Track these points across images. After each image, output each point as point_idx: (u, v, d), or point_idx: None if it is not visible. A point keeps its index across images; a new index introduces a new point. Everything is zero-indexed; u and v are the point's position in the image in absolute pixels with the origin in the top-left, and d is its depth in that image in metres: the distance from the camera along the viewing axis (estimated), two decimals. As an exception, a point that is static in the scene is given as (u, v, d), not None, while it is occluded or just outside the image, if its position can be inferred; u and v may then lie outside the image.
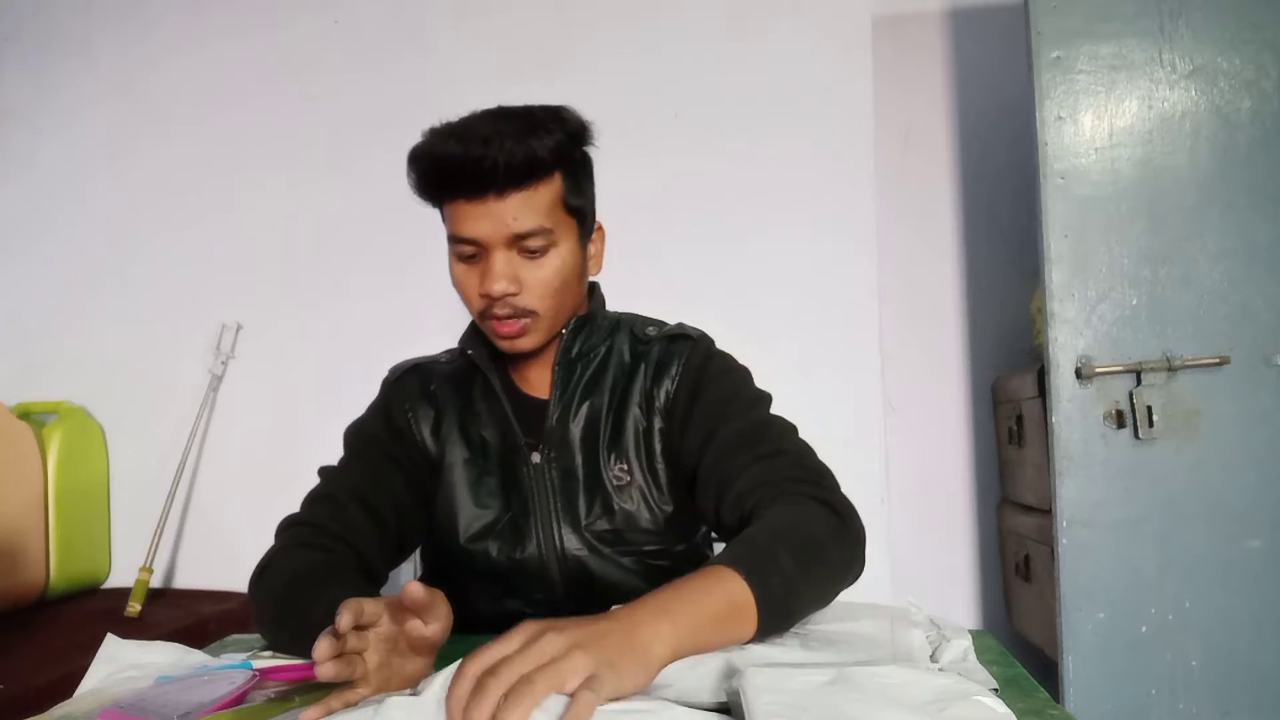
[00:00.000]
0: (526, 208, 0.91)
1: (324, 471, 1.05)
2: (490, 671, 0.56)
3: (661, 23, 2.21)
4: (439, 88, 2.25)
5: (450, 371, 1.10)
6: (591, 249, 1.03)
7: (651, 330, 1.08)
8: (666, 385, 1.03)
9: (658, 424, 1.03)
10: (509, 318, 0.95)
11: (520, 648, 0.58)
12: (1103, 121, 1.76)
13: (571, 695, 0.55)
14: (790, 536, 0.79)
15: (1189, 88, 1.74)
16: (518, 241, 0.92)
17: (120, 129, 2.43)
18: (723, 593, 0.71)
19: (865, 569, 0.89)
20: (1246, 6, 1.73)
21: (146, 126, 2.42)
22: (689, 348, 1.05)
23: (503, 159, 0.87)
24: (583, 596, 1.02)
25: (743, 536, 0.80)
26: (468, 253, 0.94)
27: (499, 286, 0.92)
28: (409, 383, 1.10)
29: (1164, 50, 1.75)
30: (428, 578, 1.13)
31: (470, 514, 1.04)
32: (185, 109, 2.41)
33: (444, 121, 0.94)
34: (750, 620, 0.71)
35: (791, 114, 2.15)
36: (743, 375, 1.06)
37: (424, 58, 2.29)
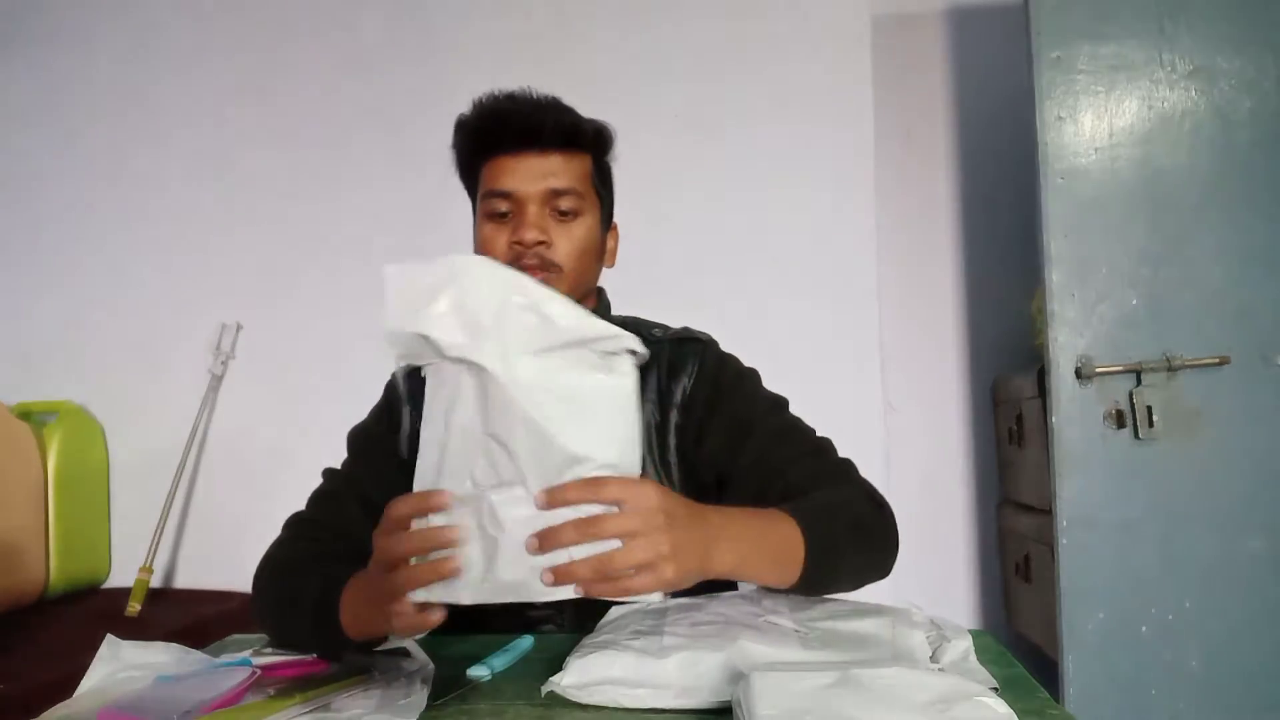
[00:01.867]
0: (565, 168, 0.98)
1: (327, 472, 1.07)
2: (590, 530, 0.64)
3: (661, 23, 2.21)
4: (439, 88, 2.24)
5: None
6: (609, 242, 1.09)
7: (658, 331, 1.09)
8: (684, 382, 1.05)
9: (674, 419, 1.04)
10: (536, 268, 0.97)
11: (636, 526, 0.65)
12: (1103, 121, 1.76)
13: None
14: (843, 512, 0.88)
15: (1189, 88, 1.74)
16: (552, 199, 0.97)
17: (120, 129, 2.43)
18: (781, 539, 0.79)
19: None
20: (1246, 6, 1.73)
21: (146, 127, 2.42)
22: (701, 349, 1.08)
23: (550, 119, 0.97)
24: None
25: (808, 500, 0.87)
26: (501, 209, 0.98)
27: (531, 234, 0.96)
28: (412, 382, 1.09)
29: (1164, 50, 1.75)
30: None
31: None
32: (185, 109, 2.41)
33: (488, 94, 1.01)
34: (794, 573, 0.80)
35: (791, 114, 2.15)
36: (757, 378, 1.09)
37: (424, 59, 2.28)
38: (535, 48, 2.24)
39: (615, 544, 0.64)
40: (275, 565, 0.95)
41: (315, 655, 0.86)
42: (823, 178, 2.13)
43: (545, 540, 0.64)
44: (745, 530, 0.77)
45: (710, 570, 0.71)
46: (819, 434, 1.03)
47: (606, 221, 1.07)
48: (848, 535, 0.85)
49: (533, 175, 0.97)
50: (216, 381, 2.32)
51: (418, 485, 0.70)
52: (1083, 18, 1.75)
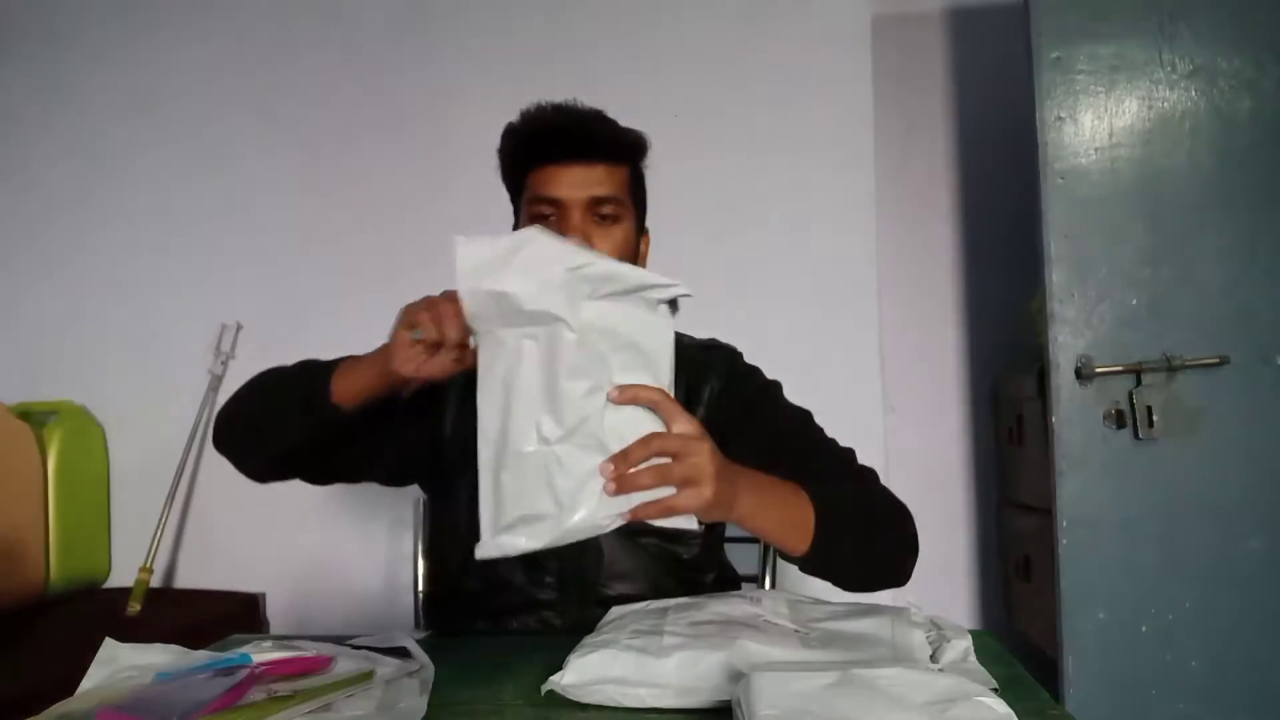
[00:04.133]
0: (609, 178, 1.04)
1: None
2: (654, 445, 0.75)
3: (661, 23, 2.20)
4: (439, 88, 2.25)
5: None
6: (642, 247, 1.14)
7: (684, 338, 1.11)
8: (711, 383, 1.11)
9: (700, 414, 1.08)
10: None
11: (688, 448, 0.75)
12: (1103, 121, 1.75)
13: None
14: (856, 503, 0.96)
15: (1189, 88, 1.74)
16: (595, 206, 1.03)
17: (120, 129, 2.43)
18: (794, 507, 0.88)
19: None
20: (1246, 6, 1.73)
21: (147, 126, 2.42)
22: (727, 355, 1.16)
23: (599, 132, 1.04)
24: (586, 571, 1.07)
25: (825, 487, 0.93)
26: (545, 214, 1.03)
27: (575, 239, 1.00)
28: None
29: (1164, 50, 1.75)
30: (443, 535, 1.19)
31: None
32: (185, 109, 2.41)
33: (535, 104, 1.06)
34: (802, 542, 0.88)
35: (791, 114, 2.14)
36: (781, 390, 1.15)
37: (424, 58, 2.28)
38: (535, 47, 2.24)
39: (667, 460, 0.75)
40: (253, 384, 1.06)
41: (299, 433, 0.95)
42: (822, 177, 2.12)
43: (617, 460, 0.74)
44: (764, 485, 0.86)
45: (734, 505, 0.80)
46: (842, 445, 1.09)
47: (640, 227, 1.13)
48: (857, 523, 0.93)
49: (578, 184, 1.02)
50: (216, 381, 2.32)
51: (483, 450, 0.78)
52: (1083, 18, 1.75)
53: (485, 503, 0.78)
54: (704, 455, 0.76)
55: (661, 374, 0.80)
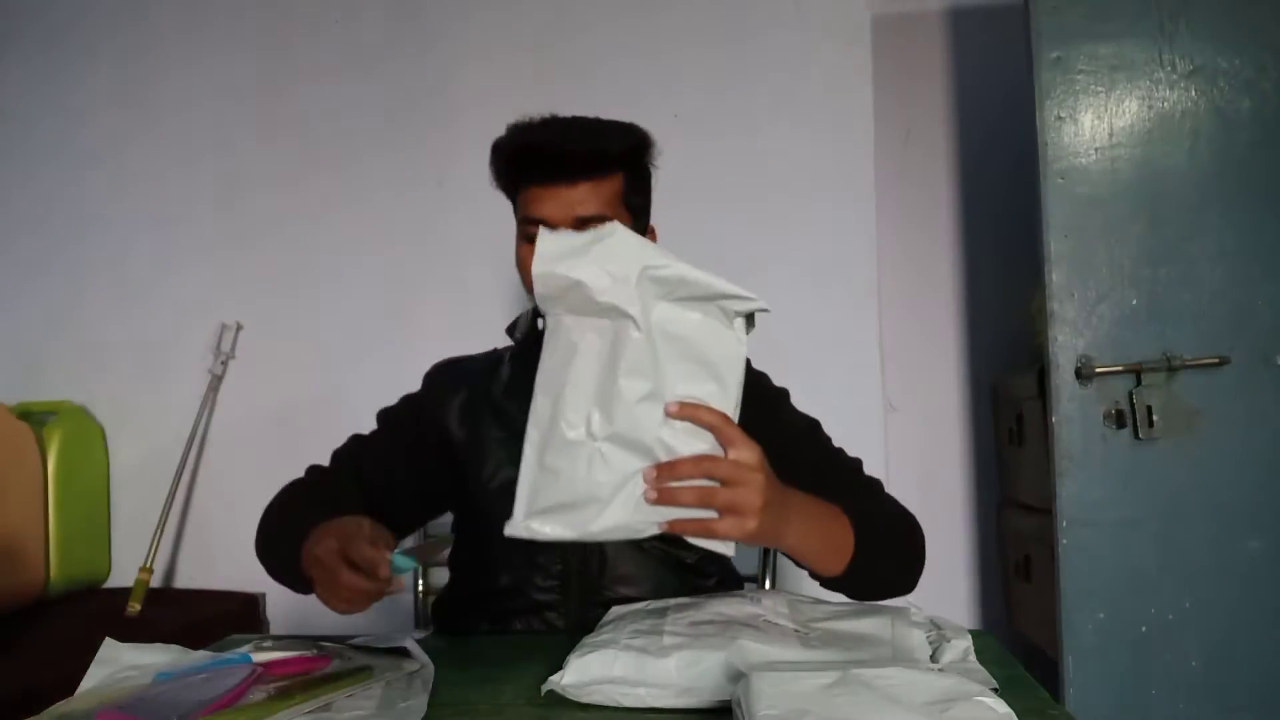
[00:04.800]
0: (592, 195, 1.01)
1: (353, 439, 1.19)
2: (704, 466, 0.73)
3: (660, 23, 2.20)
4: (439, 88, 2.25)
5: (487, 365, 1.19)
6: None
7: None
8: None
9: None
10: None
11: (740, 475, 0.73)
12: (1103, 121, 1.75)
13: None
14: (886, 524, 0.98)
15: (1189, 88, 1.74)
16: (580, 226, 1.00)
17: (120, 129, 2.43)
18: (837, 531, 0.88)
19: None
20: (1246, 6, 1.73)
21: (146, 126, 2.42)
22: (754, 375, 1.13)
23: (580, 150, 1.01)
24: (589, 573, 1.07)
25: (860, 506, 0.93)
26: (533, 233, 1.01)
27: None
28: (443, 374, 1.20)
29: (1164, 50, 1.74)
30: (460, 542, 1.21)
31: (496, 461, 1.11)
32: (185, 109, 2.41)
33: (525, 117, 1.06)
34: (840, 565, 0.89)
35: (791, 114, 2.14)
36: (789, 398, 1.16)
37: (424, 58, 2.28)
38: (535, 48, 2.24)
39: (715, 485, 0.73)
40: (278, 504, 1.08)
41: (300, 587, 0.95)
42: (823, 178, 2.12)
43: (663, 470, 0.73)
44: (813, 514, 0.86)
45: (781, 537, 0.79)
46: (849, 454, 1.11)
47: (641, 229, 1.11)
48: (888, 544, 0.95)
49: (561, 205, 1.00)
50: (216, 381, 2.32)
51: (532, 430, 0.77)
52: (1083, 18, 1.75)
53: (524, 481, 0.76)
54: (755, 488, 0.73)
55: (728, 391, 0.77)
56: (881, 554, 0.93)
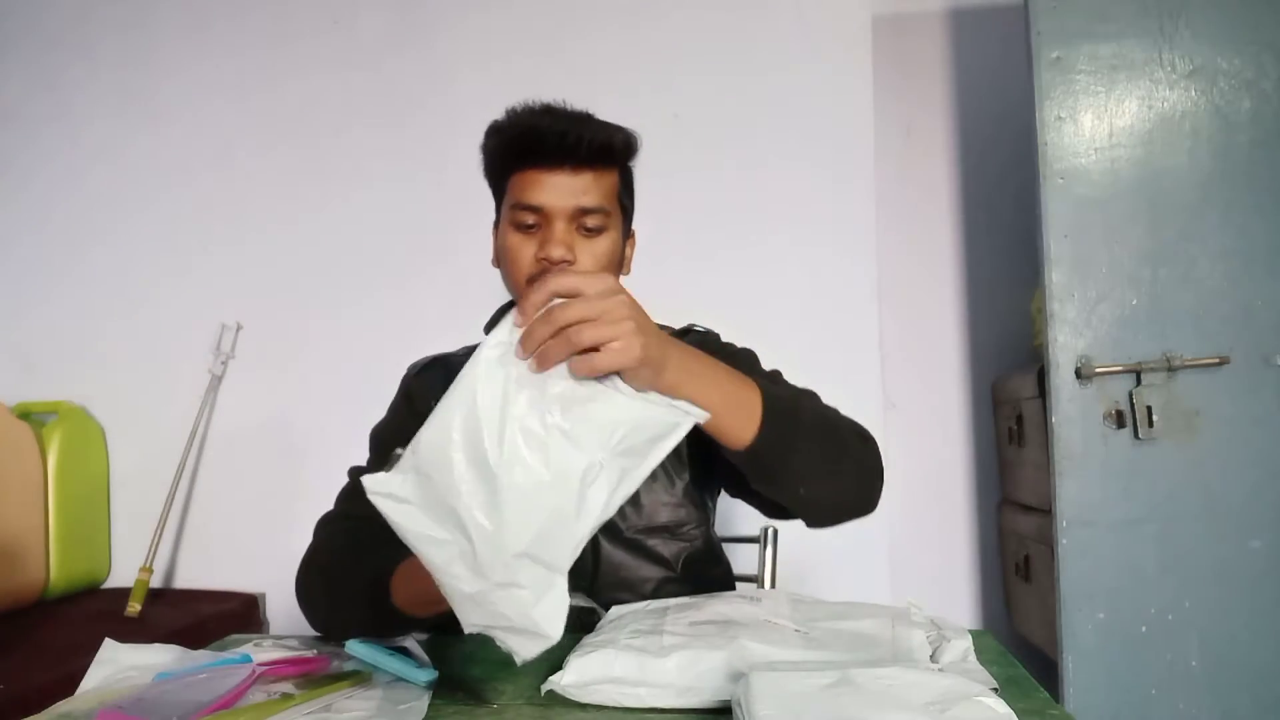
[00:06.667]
0: (595, 186, 0.98)
1: (352, 470, 1.10)
2: (563, 303, 0.67)
3: (660, 23, 2.21)
4: (438, 88, 2.25)
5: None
6: (627, 251, 1.10)
7: (663, 329, 1.10)
8: None
9: None
10: None
11: (597, 294, 0.68)
12: (1103, 121, 1.76)
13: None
14: (815, 409, 0.90)
15: (1189, 88, 1.74)
16: (580, 216, 0.98)
17: (120, 129, 2.43)
18: (738, 389, 0.80)
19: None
20: (1246, 6, 1.73)
21: (146, 127, 2.42)
22: (700, 338, 1.12)
23: (587, 137, 0.96)
24: (587, 569, 1.06)
25: (787, 391, 0.89)
26: (528, 221, 0.98)
27: (558, 252, 0.96)
28: (431, 375, 1.16)
29: (1164, 50, 1.75)
30: None
31: None
32: (185, 109, 2.41)
33: (522, 104, 1.01)
34: (746, 430, 0.80)
35: (791, 114, 2.15)
36: (755, 355, 1.12)
37: (424, 58, 2.28)
38: (534, 48, 2.24)
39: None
40: (318, 565, 0.99)
41: (375, 637, 0.87)
42: (823, 178, 2.13)
43: (525, 341, 0.67)
44: (702, 357, 0.79)
45: (665, 369, 0.72)
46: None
47: (627, 231, 1.08)
48: (814, 431, 0.86)
49: (563, 192, 0.97)
50: (216, 381, 2.32)
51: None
52: (1083, 18, 1.75)
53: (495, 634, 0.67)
54: (619, 314, 0.68)
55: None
56: (803, 438, 0.84)
